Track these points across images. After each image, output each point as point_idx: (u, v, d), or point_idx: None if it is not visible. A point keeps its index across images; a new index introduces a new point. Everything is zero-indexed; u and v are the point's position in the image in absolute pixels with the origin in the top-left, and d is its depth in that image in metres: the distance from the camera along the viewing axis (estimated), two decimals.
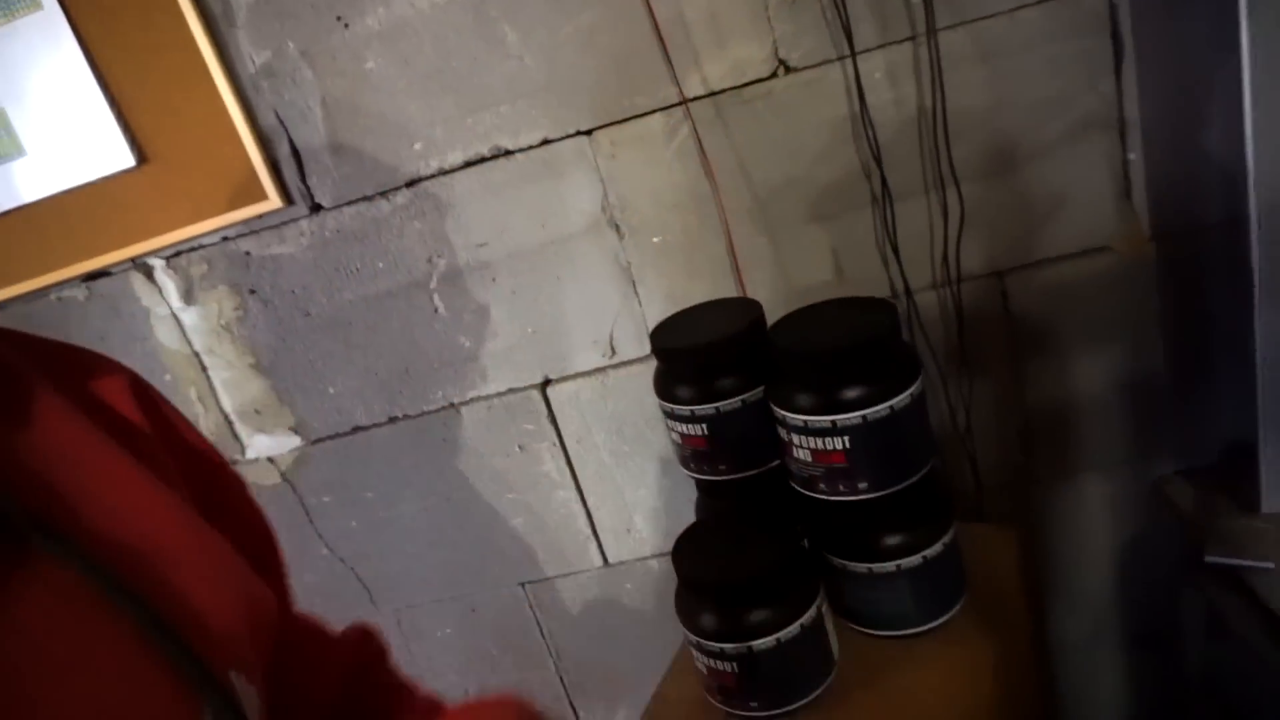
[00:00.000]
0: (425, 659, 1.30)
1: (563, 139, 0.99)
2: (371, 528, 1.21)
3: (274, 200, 1.03)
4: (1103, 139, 0.93)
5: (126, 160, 1.01)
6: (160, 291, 1.11)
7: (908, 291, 1.01)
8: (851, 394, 0.72)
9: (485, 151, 1.00)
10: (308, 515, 1.21)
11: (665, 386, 0.83)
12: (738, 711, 0.77)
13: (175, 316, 1.12)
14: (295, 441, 1.17)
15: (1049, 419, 1.05)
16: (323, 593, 1.26)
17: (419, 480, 1.18)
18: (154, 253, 1.08)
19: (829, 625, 0.78)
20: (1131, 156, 0.94)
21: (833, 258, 1.01)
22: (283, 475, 1.20)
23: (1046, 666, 1.18)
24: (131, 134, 1.01)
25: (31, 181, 1.04)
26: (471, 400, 1.12)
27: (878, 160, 0.96)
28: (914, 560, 0.77)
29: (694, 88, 0.95)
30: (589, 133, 0.99)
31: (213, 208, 1.04)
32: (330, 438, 1.17)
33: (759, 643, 0.72)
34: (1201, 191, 0.87)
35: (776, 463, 0.82)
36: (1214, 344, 0.91)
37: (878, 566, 0.78)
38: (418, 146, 1.01)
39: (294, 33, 0.97)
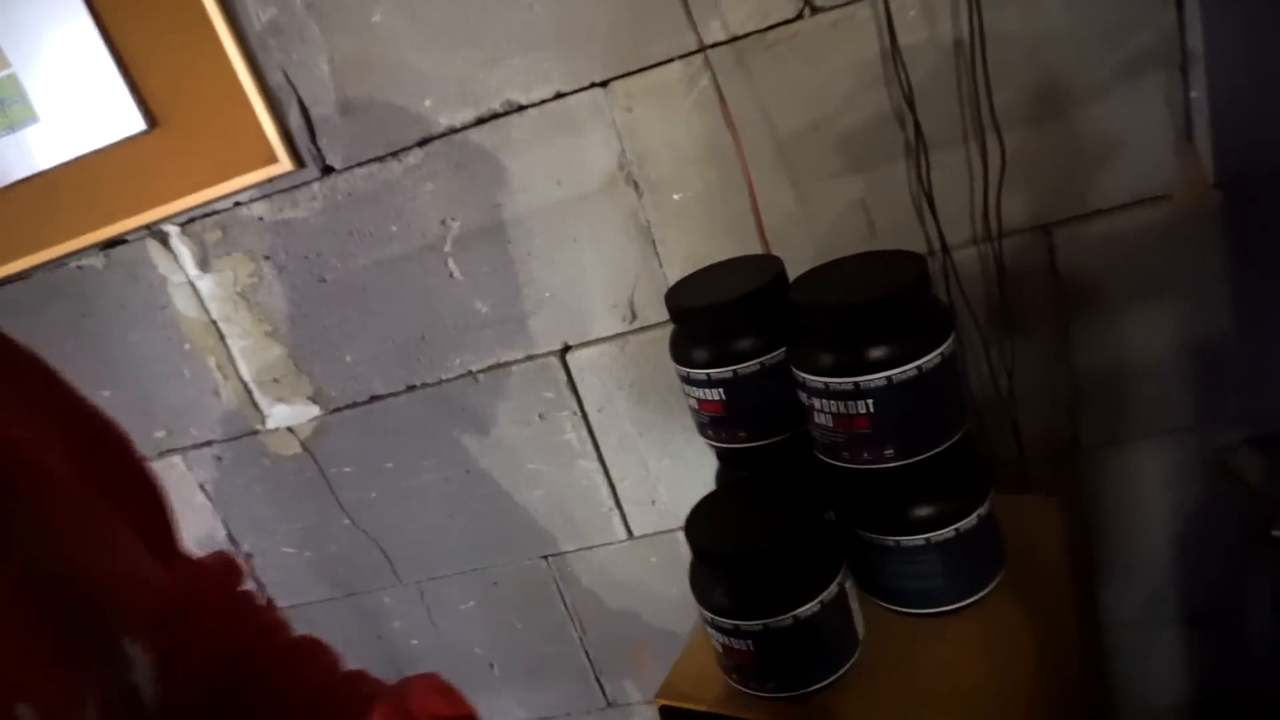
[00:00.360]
0: (449, 632, 1.28)
1: (577, 92, 0.94)
2: (392, 498, 1.19)
3: (285, 163, 1.00)
4: (1162, 76, 0.85)
5: (137, 124, 1.00)
6: (176, 259, 1.09)
7: (945, 247, 0.94)
8: (875, 354, 0.66)
9: (497, 107, 0.96)
10: (329, 485, 1.20)
11: (680, 349, 0.79)
12: (755, 692, 0.73)
13: (192, 284, 1.10)
14: (314, 411, 1.16)
15: (1100, 383, 0.98)
16: (345, 564, 1.25)
17: (438, 450, 1.15)
18: (168, 219, 1.06)
19: (853, 602, 0.73)
20: (1194, 94, 0.86)
21: (864, 212, 0.95)
22: (303, 445, 1.18)
23: (1096, 646, 1.11)
24: (141, 97, 0.99)
25: (47, 148, 1.02)
26: (489, 368, 1.09)
27: (911, 106, 0.89)
28: (945, 533, 0.72)
29: (714, 33, 0.90)
30: (604, 84, 0.94)
31: (224, 171, 1.01)
32: (349, 407, 1.15)
33: (776, 620, 0.68)
34: (1272, 132, 0.79)
35: (799, 429, 0.77)
36: None
37: (906, 540, 0.72)
38: (428, 103, 0.97)
39: None
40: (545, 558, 1.20)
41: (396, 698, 0.50)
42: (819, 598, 0.68)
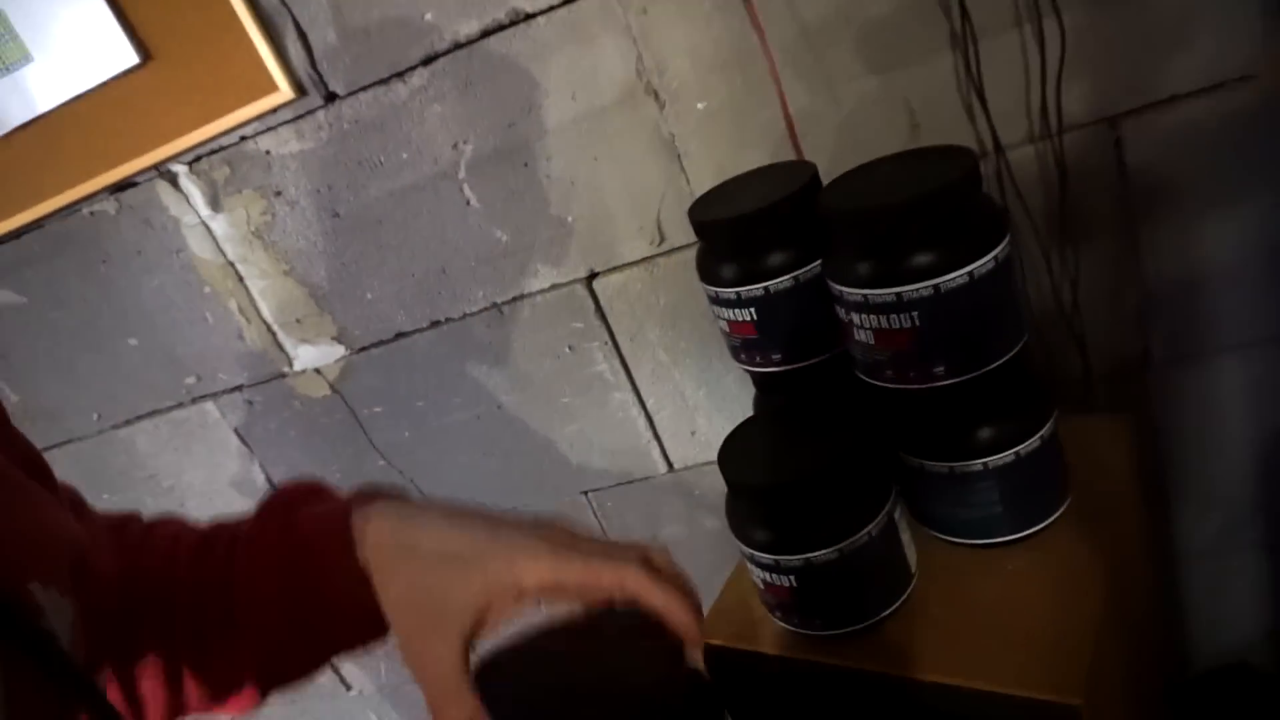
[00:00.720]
0: None
1: None
2: (425, 437, 1.16)
3: (285, 91, 0.94)
4: None
5: (130, 58, 0.95)
6: (187, 199, 1.05)
7: (998, 146, 0.85)
8: (919, 260, 0.59)
9: (502, 17, 0.89)
10: (361, 427, 1.17)
11: (707, 267, 0.73)
12: (799, 630, 0.68)
13: (205, 225, 1.07)
14: (340, 351, 1.12)
15: (1174, 292, 0.90)
16: None
17: (467, 387, 1.11)
18: (175, 158, 1.02)
19: (904, 533, 0.67)
20: None
21: (906, 112, 0.87)
22: (331, 386, 1.15)
23: (1167, 577, 1.04)
24: (131, 28, 0.94)
25: (44, 89, 0.99)
26: (514, 299, 1.04)
27: None
28: (1005, 457, 0.65)
29: None
30: None
31: (224, 105, 0.97)
32: (374, 345, 1.11)
33: (819, 554, 0.63)
34: None
35: (839, 349, 0.70)
36: None
37: (961, 465, 0.66)
38: (429, 17, 0.90)
39: None
40: (585, 493, 1.17)
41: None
42: (866, 529, 0.63)
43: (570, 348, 1.06)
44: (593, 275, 1.01)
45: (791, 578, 0.65)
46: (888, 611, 0.66)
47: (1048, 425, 0.67)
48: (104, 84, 0.97)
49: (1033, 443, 0.66)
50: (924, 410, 0.67)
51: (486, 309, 1.05)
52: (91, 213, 1.08)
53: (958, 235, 0.59)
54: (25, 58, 0.97)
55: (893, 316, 0.61)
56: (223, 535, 0.53)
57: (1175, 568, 1.04)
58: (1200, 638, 1.08)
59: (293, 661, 0.52)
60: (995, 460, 0.65)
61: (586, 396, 1.08)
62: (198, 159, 1.02)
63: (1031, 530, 0.69)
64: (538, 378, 1.09)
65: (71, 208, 1.07)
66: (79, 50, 0.95)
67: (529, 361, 1.08)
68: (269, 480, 1.27)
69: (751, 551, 0.66)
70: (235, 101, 0.96)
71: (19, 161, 1.04)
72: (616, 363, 1.05)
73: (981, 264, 0.59)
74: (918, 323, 0.61)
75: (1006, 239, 0.61)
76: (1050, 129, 0.84)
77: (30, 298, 1.15)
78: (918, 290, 0.59)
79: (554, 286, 1.02)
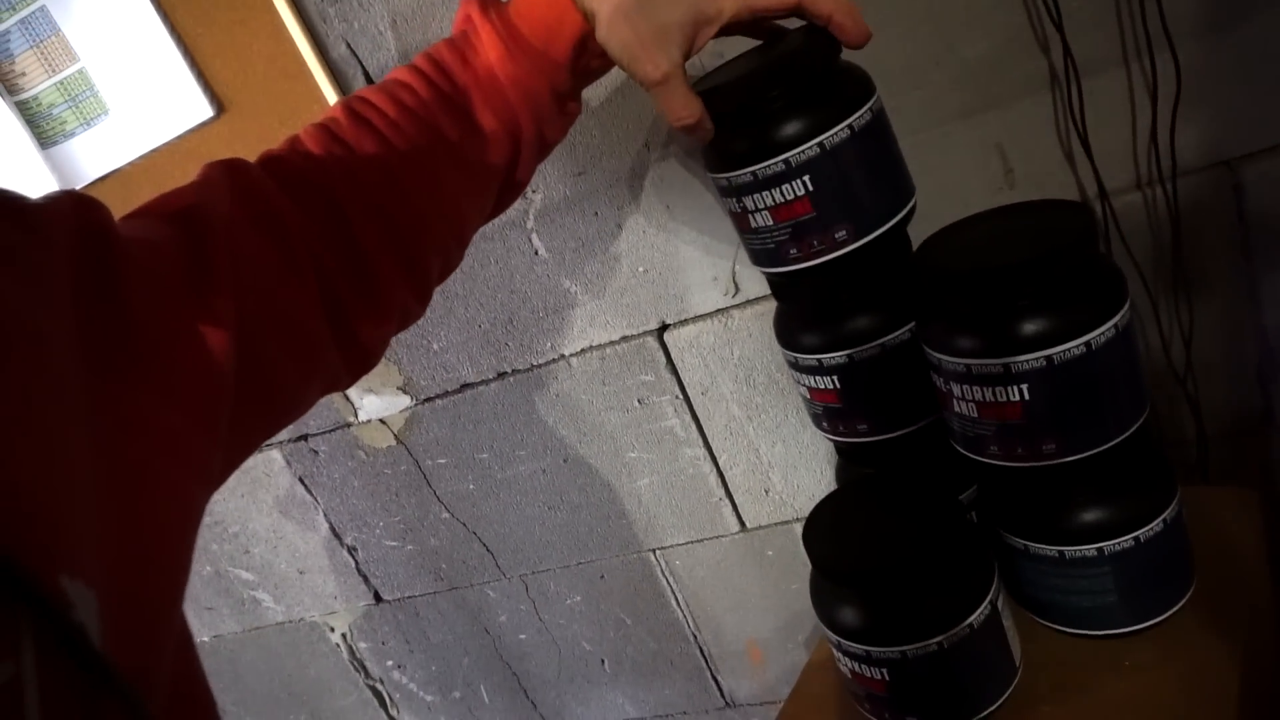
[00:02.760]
0: (556, 627, 1.22)
1: None
2: (489, 490, 1.13)
3: None
4: None
5: (205, 111, 0.95)
6: None
7: (1103, 193, 0.79)
8: (1030, 328, 0.54)
9: None
10: (425, 478, 1.15)
11: (785, 329, 0.68)
12: None
13: None
14: (405, 401, 1.10)
15: None
16: (447, 557, 1.21)
17: (533, 439, 1.08)
18: None
19: (1008, 623, 0.61)
20: None
21: (999, 157, 0.81)
22: (396, 437, 1.13)
23: None
24: (207, 82, 0.94)
25: (120, 142, 1.00)
26: (582, 350, 1.01)
27: (1057, 24, 0.75)
28: (1123, 542, 0.59)
29: None
30: None
31: None
32: (439, 396, 1.09)
33: (916, 646, 0.57)
34: None
35: (933, 418, 0.65)
36: None
37: (1072, 550, 0.60)
38: None
39: None
40: (653, 551, 1.12)
41: None
42: (968, 619, 0.57)
43: (640, 401, 1.02)
44: (664, 327, 0.97)
45: (884, 670, 0.59)
46: (991, 710, 0.60)
47: (1171, 507, 0.60)
48: (179, 136, 0.98)
49: (1155, 526, 0.59)
50: (1032, 489, 0.61)
51: (554, 360, 1.02)
52: None
53: (1074, 301, 0.54)
54: (103, 112, 0.98)
55: (999, 389, 0.56)
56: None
57: None
58: None
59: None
60: (1112, 545, 0.59)
61: (656, 451, 1.04)
62: None
63: (1153, 621, 0.62)
64: (606, 431, 1.05)
65: None
66: (156, 104, 0.96)
67: (597, 414, 1.04)
68: (333, 529, 1.25)
69: (839, 639, 0.61)
70: None
71: None
72: (688, 417, 1.01)
73: (1100, 333, 0.54)
74: (1027, 396, 0.55)
75: (1127, 305, 0.55)
76: (1161, 173, 0.78)
77: None
78: (1028, 361, 0.54)
79: (624, 338, 0.99)
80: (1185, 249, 0.80)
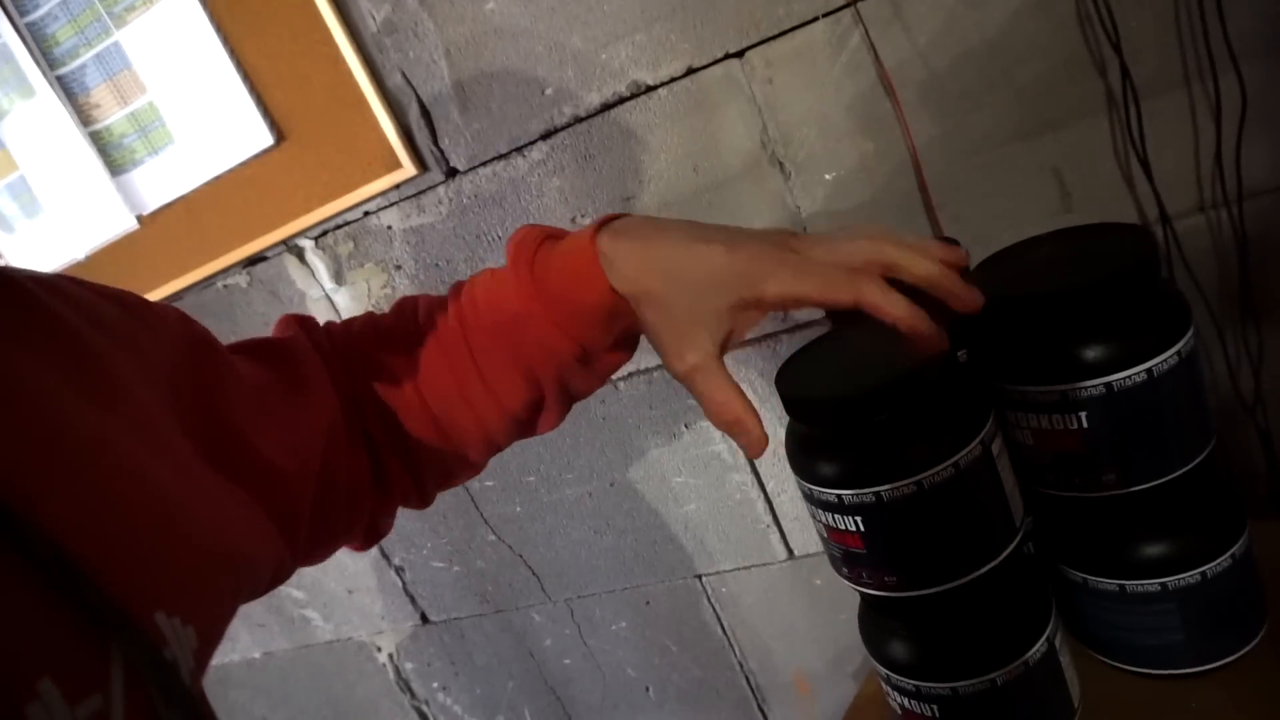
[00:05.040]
0: (601, 653, 1.21)
1: (710, 65, 0.84)
2: (536, 512, 1.13)
3: (408, 168, 0.95)
4: None
5: (266, 139, 0.98)
6: (313, 273, 1.08)
7: (1164, 216, 0.77)
8: (1089, 354, 0.52)
9: (623, 90, 0.87)
10: (472, 500, 1.16)
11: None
12: None
13: (329, 297, 1.08)
14: None
15: None
16: (493, 580, 1.21)
17: (580, 463, 1.08)
18: (303, 233, 1.05)
19: (1066, 660, 0.59)
20: None
21: (1056, 181, 0.79)
22: None
23: None
24: (267, 111, 0.97)
25: (185, 170, 1.03)
26: (629, 375, 1.01)
27: (1115, 45, 0.73)
28: (1189, 578, 0.57)
29: None
30: (739, 54, 0.83)
31: (350, 181, 0.98)
32: None
33: (967, 684, 0.56)
34: None
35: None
36: None
37: (1134, 585, 0.58)
38: (549, 92, 0.89)
39: None
40: (699, 577, 1.11)
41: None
42: (1023, 657, 0.55)
43: (686, 426, 1.01)
44: None
45: (935, 707, 0.57)
46: None
47: (1241, 542, 0.58)
48: (241, 164, 1.00)
49: (1223, 561, 0.57)
50: (1092, 520, 0.59)
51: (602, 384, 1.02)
52: (225, 285, 1.12)
53: (1135, 327, 0.52)
54: (170, 141, 1.02)
55: (1056, 416, 0.54)
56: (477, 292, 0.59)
57: None
58: None
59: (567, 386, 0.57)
60: (1177, 580, 0.57)
61: (703, 477, 1.03)
62: (324, 234, 1.04)
63: (1221, 662, 0.59)
64: (652, 456, 1.04)
65: (207, 281, 1.11)
66: (220, 133, 0.99)
67: (643, 439, 1.04)
68: (381, 549, 1.26)
69: (888, 673, 0.60)
70: (361, 178, 0.98)
71: (162, 238, 1.08)
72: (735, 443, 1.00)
73: (1162, 360, 0.52)
74: (1086, 424, 0.54)
75: (1190, 331, 0.53)
76: (1226, 196, 0.76)
77: None
78: (1087, 388, 0.52)
79: None
80: (1252, 273, 0.77)
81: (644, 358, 0.99)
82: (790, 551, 1.05)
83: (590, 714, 1.29)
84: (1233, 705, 0.58)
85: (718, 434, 1.00)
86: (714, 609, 1.12)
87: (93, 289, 0.41)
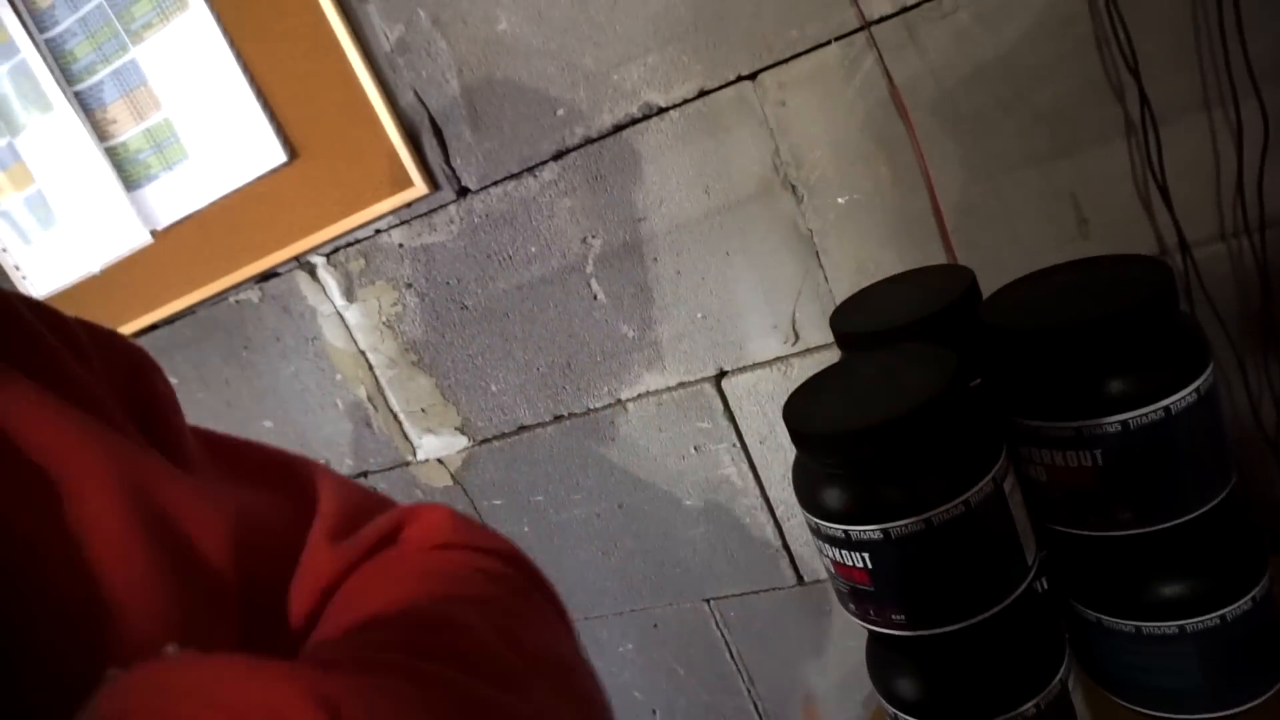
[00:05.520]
0: (607, 675, 1.20)
1: (722, 87, 0.83)
2: (543, 533, 1.13)
3: (420, 186, 0.95)
4: None
5: (279, 156, 0.98)
6: (324, 290, 1.08)
7: (1184, 245, 0.76)
8: (1106, 391, 0.51)
9: (635, 111, 0.87)
10: (481, 519, 1.15)
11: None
12: None
13: (339, 314, 1.08)
14: (462, 442, 1.11)
15: None
16: None
17: (588, 483, 1.07)
18: (314, 250, 1.05)
19: (1078, 701, 0.58)
20: None
21: (1073, 207, 0.78)
22: (453, 477, 1.14)
23: None
24: (280, 128, 0.97)
25: (198, 186, 1.03)
26: (639, 396, 1.00)
27: (1134, 70, 0.72)
28: (1208, 621, 0.55)
29: (877, 6, 0.76)
30: (752, 76, 0.82)
31: (362, 199, 0.98)
32: (496, 438, 1.09)
33: None
34: None
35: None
36: None
37: (1151, 627, 0.56)
38: (561, 113, 0.89)
39: (424, 0, 0.88)
40: (707, 601, 1.10)
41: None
42: (1035, 699, 0.54)
43: (696, 448, 1.00)
44: (722, 374, 0.96)
45: None
46: None
47: (1262, 584, 0.56)
48: (254, 180, 1.01)
49: (1243, 604, 0.55)
50: (1107, 559, 0.58)
51: (611, 405, 1.02)
52: (237, 301, 1.12)
53: (1152, 363, 0.51)
54: (184, 157, 1.02)
55: (1070, 454, 0.53)
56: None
57: None
58: None
59: None
60: (1195, 623, 0.55)
61: (713, 500, 1.02)
62: (335, 251, 1.04)
63: (1242, 708, 0.57)
64: (661, 478, 1.03)
65: (220, 296, 1.12)
66: (233, 150, 0.99)
67: (653, 461, 1.03)
68: None
69: (896, 712, 0.58)
70: (373, 196, 0.98)
71: (175, 252, 1.09)
72: (745, 466, 0.99)
73: (1180, 397, 0.51)
74: (1101, 461, 0.52)
75: (1209, 368, 0.52)
76: (1248, 224, 0.74)
77: (180, 379, 1.20)
78: (1103, 425, 0.51)
79: (681, 385, 0.98)
80: (1274, 302, 0.76)
81: (654, 379, 0.98)
82: (800, 577, 1.03)
83: None
84: None
85: (728, 457, 0.99)
86: (722, 633, 1.11)
87: (64, 322, 0.38)
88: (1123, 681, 0.60)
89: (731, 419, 0.97)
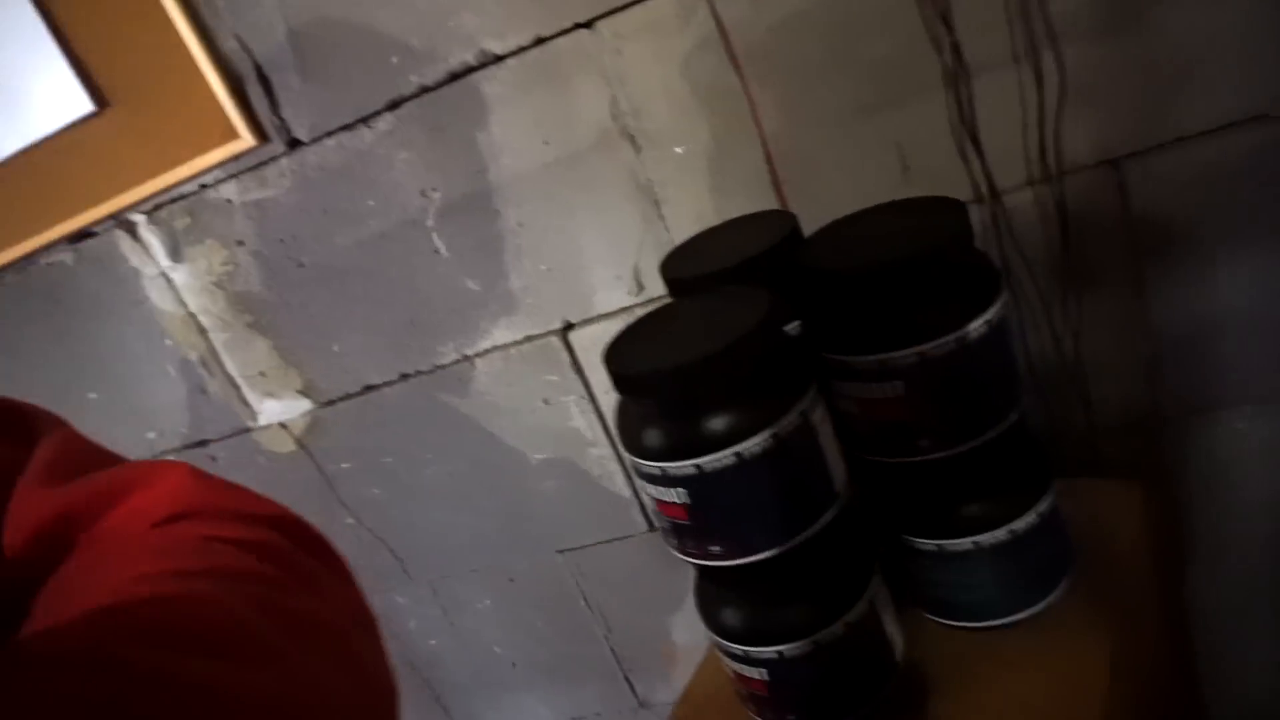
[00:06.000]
0: (468, 632, 1.20)
1: (558, 35, 0.82)
2: (395, 495, 1.11)
3: (247, 138, 0.90)
4: None
5: (85, 105, 0.91)
6: (147, 250, 1.01)
7: (994, 192, 0.80)
8: (904, 324, 0.54)
9: (471, 59, 0.85)
10: (329, 483, 1.12)
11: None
12: None
13: (165, 276, 1.02)
14: (306, 405, 1.07)
15: (1184, 343, 0.84)
16: (354, 564, 1.17)
17: (439, 442, 1.06)
18: (134, 207, 0.98)
19: (887, 620, 0.61)
20: None
21: (898, 155, 0.82)
22: (298, 442, 1.10)
23: (1185, 645, 0.98)
24: (87, 75, 0.90)
25: None
26: (486, 351, 0.99)
27: (948, 24, 0.75)
28: (998, 535, 0.59)
29: None
30: (589, 24, 0.82)
31: (183, 152, 0.93)
32: (342, 399, 1.06)
33: (791, 647, 0.57)
34: None
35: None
36: None
37: (950, 544, 0.60)
38: (395, 60, 0.86)
39: None
40: (561, 552, 1.11)
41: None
42: (843, 618, 0.57)
43: (545, 401, 1.00)
44: (568, 326, 0.96)
45: (763, 670, 0.59)
46: (870, 707, 0.60)
47: (1045, 500, 0.61)
48: (59, 132, 0.93)
49: (1029, 519, 0.60)
50: (910, 485, 0.61)
51: (458, 361, 1.00)
52: (49, 264, 1.04)
53: (946, 298, 0.54)
54: None
55: (875, 386, 0.56)
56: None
57: (1195, 633, 0.97)
58: (1226, 702, 1.01)
59: None
60: (987, 538, 0.60)
61: (563, 452, 1.03)
62: (157, 208, 0.98)
63: (1031, 611, 0.63)
64: (511, 433, 1.03)
65: (29, 259, 1.03)
66: (32, 97, 0.92)
67: (503, 416, 1.02)
68: None
69: (719, 639, 0.61)
70: (195, 149, 0.92)
71: None
72: (594, 417, 1.00)
73: (973, 328, 0.54)
74: (903, 391, 0.55)
75: (1001, 300, 0.56)
76: (1050, 172, 0.79)
77: None
78: (903, 357, 0.54)
79: (528, 338, 0.97)
80: (1074, 247, 0.81)
81: (501, 333, 0.98)
82: (650, 524, 1.06)
83: (458, 693, 1.27)
84: (1042, 648, 0.61)
85: (577, 409, 1.00)
86: (577, 583, 1.12)
87: None
88: (930, 598, 0.65)
89: (579, 371, 0.97)
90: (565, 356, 0.97)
